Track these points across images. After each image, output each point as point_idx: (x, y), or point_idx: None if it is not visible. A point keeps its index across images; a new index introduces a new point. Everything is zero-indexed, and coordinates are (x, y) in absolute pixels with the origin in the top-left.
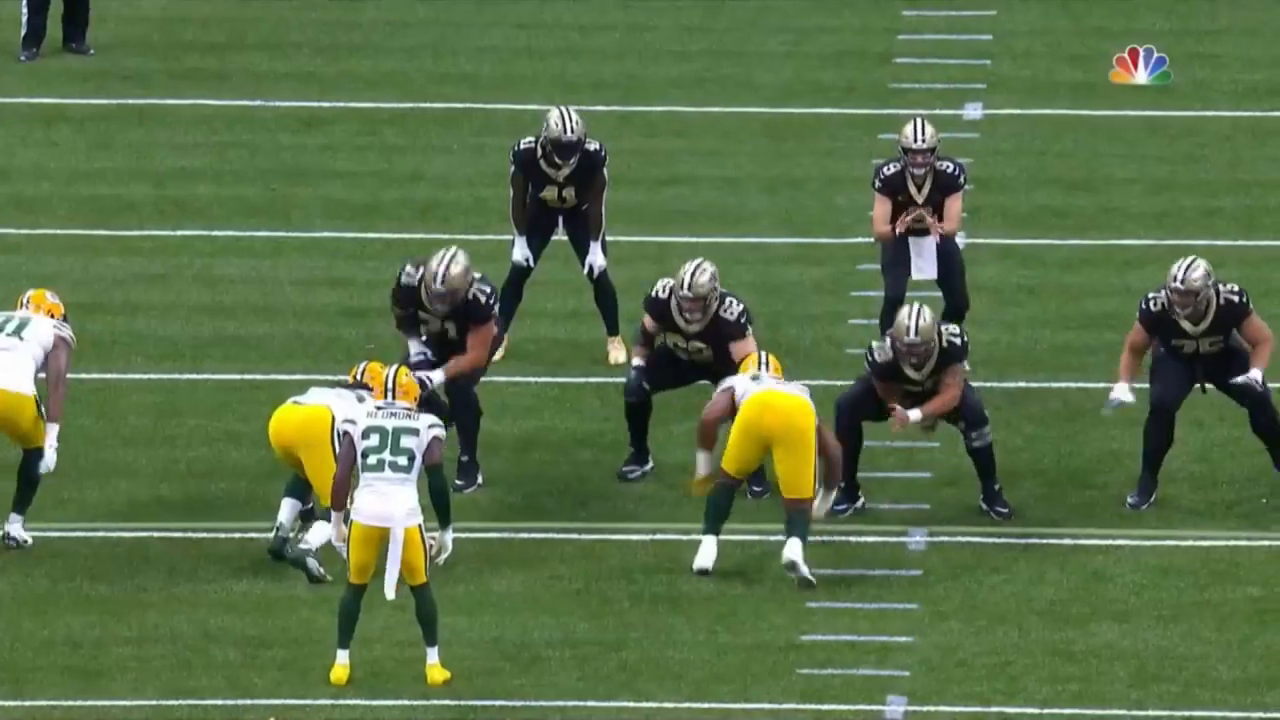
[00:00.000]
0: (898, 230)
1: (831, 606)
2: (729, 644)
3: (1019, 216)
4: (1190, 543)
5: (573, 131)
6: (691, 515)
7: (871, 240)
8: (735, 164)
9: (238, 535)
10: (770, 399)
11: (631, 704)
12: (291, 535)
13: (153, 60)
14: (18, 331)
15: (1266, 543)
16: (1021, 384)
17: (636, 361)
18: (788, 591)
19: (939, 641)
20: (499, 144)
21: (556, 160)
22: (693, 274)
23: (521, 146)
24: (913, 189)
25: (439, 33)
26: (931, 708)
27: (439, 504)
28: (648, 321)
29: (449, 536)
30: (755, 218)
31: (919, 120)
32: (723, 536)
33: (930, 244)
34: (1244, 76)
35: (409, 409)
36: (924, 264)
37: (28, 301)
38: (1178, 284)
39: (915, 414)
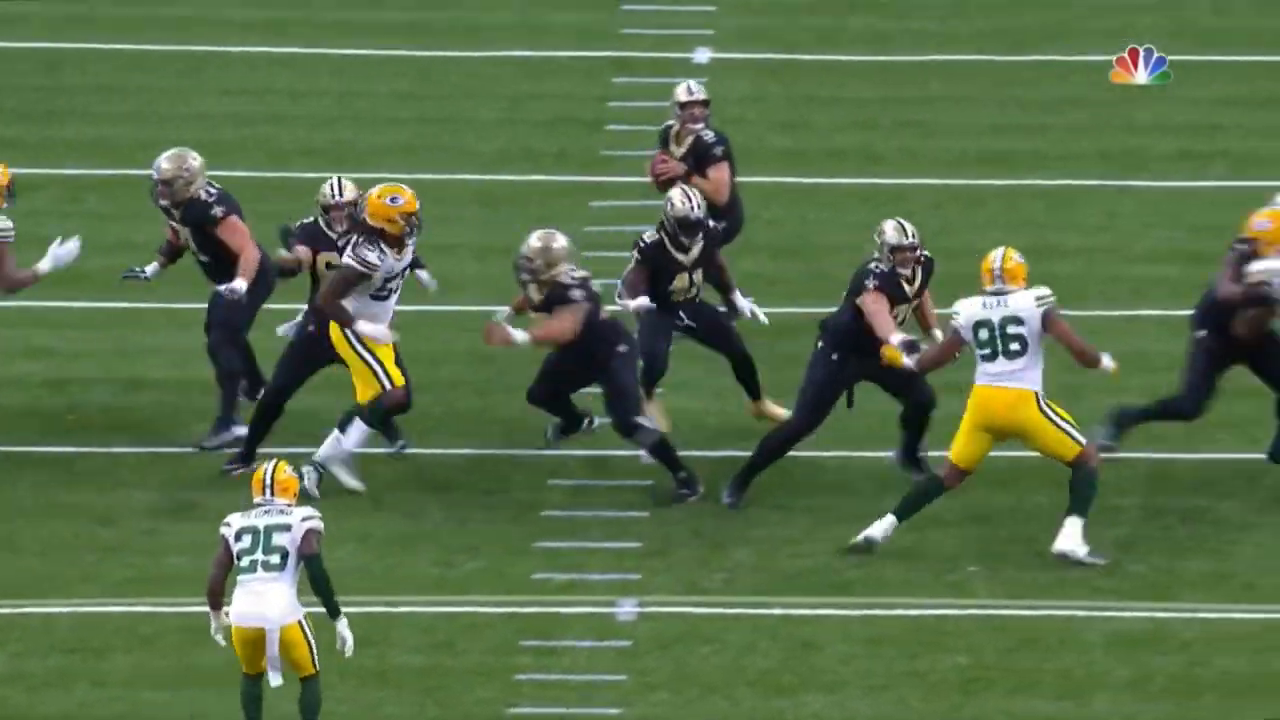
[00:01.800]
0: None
1: (539, 679)
2: (437, 717)
3: None
4: (899, 611)
5: (699, 207)
6: (400, 588)
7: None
8: (448, 231)
9: None
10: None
11: None
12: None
13: None
14: None
15: (973, 611)
16: (726, 453)
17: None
18: (496, 664)
19: (648, 713)
20: None
21: (683, 241)
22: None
23: (648, 241)
24: (674, 147)
25: (146, 99)
26: None
27: (320, 594)
28: None
29: (342, 625)
30: (467, 285)
31: (693, 81)
32: (459, 608)
33: None
34: (953, 144)
35: (286, 505)
36: None
37: None
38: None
39: (519, 334)
